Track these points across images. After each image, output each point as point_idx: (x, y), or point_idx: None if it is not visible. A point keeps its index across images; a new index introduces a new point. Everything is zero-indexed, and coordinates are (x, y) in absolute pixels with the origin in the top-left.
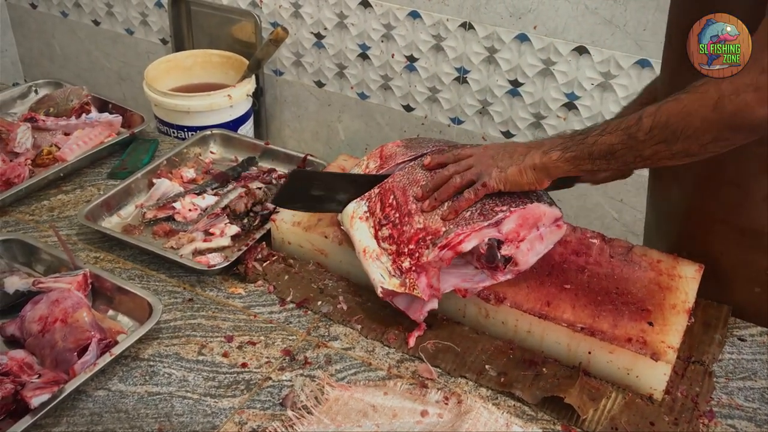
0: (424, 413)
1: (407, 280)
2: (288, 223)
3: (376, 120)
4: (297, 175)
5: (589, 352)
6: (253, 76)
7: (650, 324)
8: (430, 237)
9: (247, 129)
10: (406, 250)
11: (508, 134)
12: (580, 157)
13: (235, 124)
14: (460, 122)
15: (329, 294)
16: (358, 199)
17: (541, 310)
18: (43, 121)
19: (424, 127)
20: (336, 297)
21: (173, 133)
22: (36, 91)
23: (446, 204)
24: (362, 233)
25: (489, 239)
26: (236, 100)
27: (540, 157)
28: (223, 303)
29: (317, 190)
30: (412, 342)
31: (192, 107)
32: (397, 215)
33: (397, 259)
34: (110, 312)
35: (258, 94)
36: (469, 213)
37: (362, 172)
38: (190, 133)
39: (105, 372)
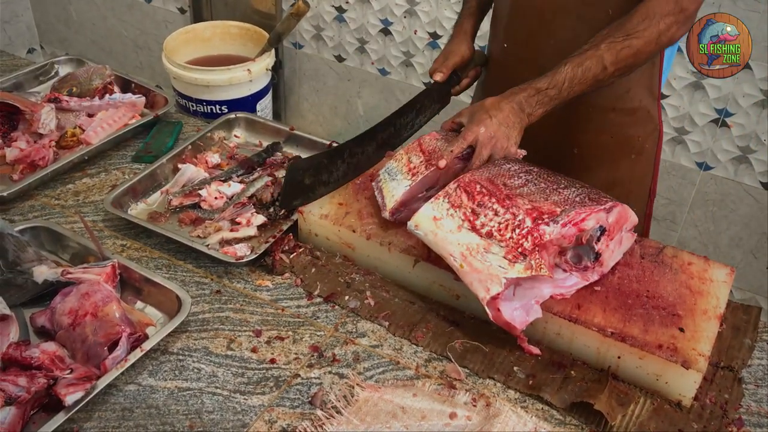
0: (452, 415)
1: (532, 262)
2: (315, 215)
3: (396, 96)
4: (293, 173)
5: (619, 357)
6: (273, 50)
7: (681, 330)
8: (546, 216)
9: (265, 103)
10: (524, 230)
11: None
12: (558, 107)
13: (254, 99)
14: None
15: (356, 288)
16: (432, 199)
17: (572, 314)
18: (67, 101)
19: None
20: (363, 292)
21: (192, 106)
22: (58, 70)
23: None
24: (454, 232)
25: (598, 226)
26: (256, 74)
27: (528, 119)
28: (250, 295)
29: (308, 178)
30: (536, 350)
31: (211, 81)
32: (494, 199)
33: (515, 243)
34: (138, 303)
35: (277, 67)
36: (579, 198)
37: (405, 168)
38: (209, 107)
39: (135, 366)
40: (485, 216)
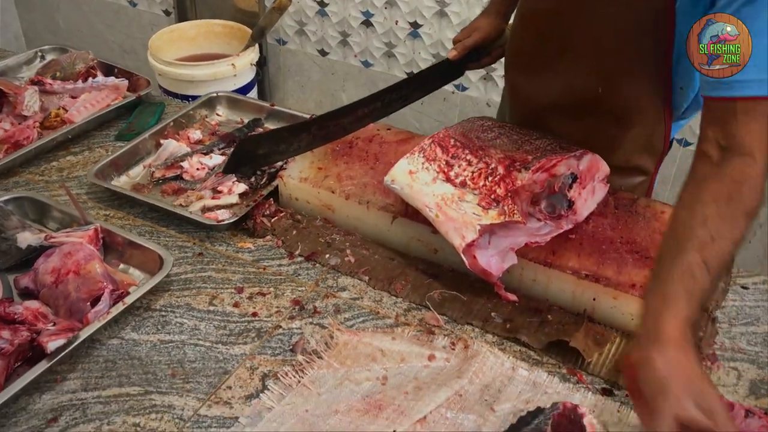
0: (431, 357)
1: (505, 208)
2: (295, 179)
3: (379, 88)
4: (245, 143)
5: (594, 299)
6: (257, 45)
7: None
8: (518, 163)
9: None
10: (497, 177)
11: None
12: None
13: (239, 93)
14: (464, 89)
15: (337, 248)
16: (407, 155)
17: (546, 259)
18: (50, 84)
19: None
20: (344, 250)
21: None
22: (42, 57)
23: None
24: (429, 184)
25: (570, 173)
26: (240, 68)
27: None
28: (232, 257)
29: (263, 149)
30: (512, 297)
31: (196, 76)
32: (467, 151)
33: (488, 190)
34: (121, 266)
35: (261, 64)
36: (550, 147)
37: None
38: None
39: (118, 322)
40: (459, 166)
